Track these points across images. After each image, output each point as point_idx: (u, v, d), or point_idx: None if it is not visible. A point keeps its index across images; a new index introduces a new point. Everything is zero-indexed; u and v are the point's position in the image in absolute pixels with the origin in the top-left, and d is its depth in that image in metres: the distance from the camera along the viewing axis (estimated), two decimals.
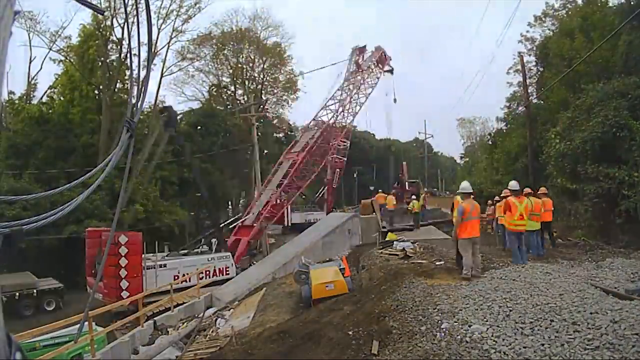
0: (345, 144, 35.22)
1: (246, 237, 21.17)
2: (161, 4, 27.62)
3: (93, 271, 16.51)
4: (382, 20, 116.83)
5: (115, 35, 27.48)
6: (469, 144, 61.97)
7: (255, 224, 21.56)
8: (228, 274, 18.13)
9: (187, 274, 16.13)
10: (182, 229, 26.09)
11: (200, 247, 20.05)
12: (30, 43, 29.07)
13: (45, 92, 30.39)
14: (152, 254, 16.81)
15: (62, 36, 28.43)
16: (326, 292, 8.90)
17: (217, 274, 17.50)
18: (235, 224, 23.35)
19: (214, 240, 20.19)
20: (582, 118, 14.47)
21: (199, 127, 34.21)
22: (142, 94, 2.12)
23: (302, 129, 28.72)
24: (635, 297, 5.44)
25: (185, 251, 19.44)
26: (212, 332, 10.45)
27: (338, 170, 36.09)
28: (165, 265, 16.65)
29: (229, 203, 39.31)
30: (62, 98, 28.36)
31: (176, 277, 15.95)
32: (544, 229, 10.41)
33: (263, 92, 39.06)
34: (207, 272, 16.65)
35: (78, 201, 1.77)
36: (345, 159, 36.01)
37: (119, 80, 27.76)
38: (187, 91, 38.35)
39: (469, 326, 4.83)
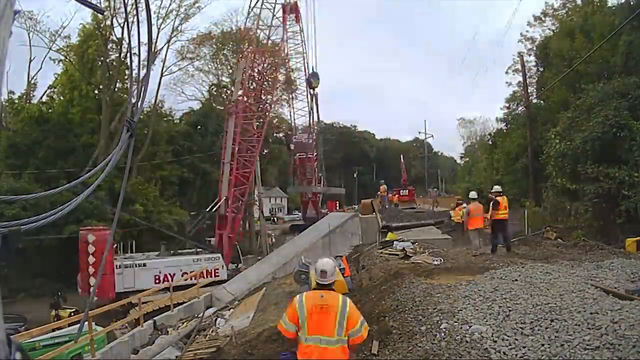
0: (308, 140, 34.58)
1: (225, 230, 20.38)
2: (161, 4, 27.60)
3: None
4: (382, 18, 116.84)
5: (115, 35, 27.50)
6: (469, 144, 61.98)
7: (227, 213, 20.40)
8: (217, 276, 17.11)
9: (170, 274, 15.98)
10: (182, 228, 26.13)
11: (196, 248, 19.83)
12: (30, 43, 29.04)
13: (45, 91, 30.44)
14: (134, 254, 16.87)
15: (61, 36, 28.44)
16: None
17: (205, 276, 16.47)
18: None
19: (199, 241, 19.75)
20: (582, 118, 14.47)
21: (198, 127, 34.20)
22: (142, 94, 2.11)
23: (236, 65, 25.21)
24: (636, 297, 5.43)
25: (173, 251, 19.22)
26: (212, 332, 10.45)
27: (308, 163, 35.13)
28: (144, 265, 16.40)
29: None
30: (61, 98, 28.38)
31: (157, 278, 15.72)
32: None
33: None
34: (193, 274, 15.60)
35: (78, 201, 1.77)
36: (315, 153, 35.04)
37: (118, 80, 27.75)
38: (187, 91, 38.27)
39: (469, 326, 4.83)
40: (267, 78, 23.40)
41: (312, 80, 31.72)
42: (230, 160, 20.87)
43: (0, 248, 1.26)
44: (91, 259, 14.56)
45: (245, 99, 21.44)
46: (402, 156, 37.17)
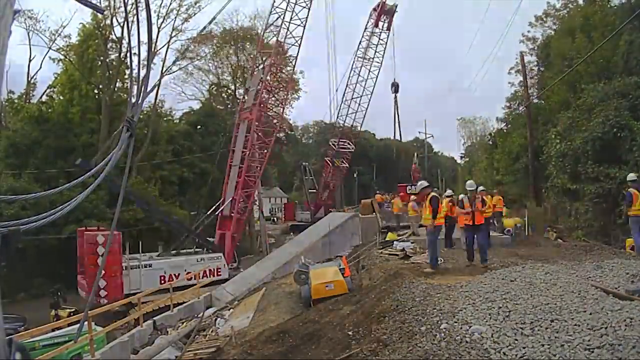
0: (349, 148, 34.27)
1: (229, 230, 20.50)
2: (161, 3, 27.60)
3: (81, 269, 16.57)
4: None
5: (115, 35, 27.50)
6: (469, 144, 61.90)
7: (232, 213, 20.66)
8: (220, 275, 17.44)
9: (175, 275, 16.12)
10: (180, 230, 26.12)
11: (194, 248, 19.79)
12: (29, 42, 29.10)
13: (45, 91, 30.41)
14: (138, 254, 16.80)
15: (61, 35, 28.45)
16: (326, 292, 8.89)
17: (208, 275, 16.84)
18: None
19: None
20: (582, 118, 14.50)
21: (199, 127, 34.19)
22: (142, 93, 2.11)
23: (251, 75, 24.95)
24: (636, 298, 5.43)
25: (175, 251, 19.22)
26: (212, 332, 10.44)
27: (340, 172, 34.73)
28: (150, 266, 16.53)
29: None
30: (61, 97, 28.36)
31: (162, 278, 15.80)
32: None
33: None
34: (198, 274, 15.79)
35: (77, 201, 1.76)
36: (347, 165, 34.56)
37: (118, 80, 27.74)
38: (187, 90, 38.28)
39: (469, 326, 4.83)
40: (281, 88, 23.53)
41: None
42: (240, 164, 21.01)
43: (2, 248, 1.26)
44: (101, 261, 14.37)
45: (260, 107, 21.75)
46: (415, 154, 36.36)
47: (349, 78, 32.74)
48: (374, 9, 31.26)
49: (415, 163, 28.94)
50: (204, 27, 28.18)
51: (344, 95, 33.36)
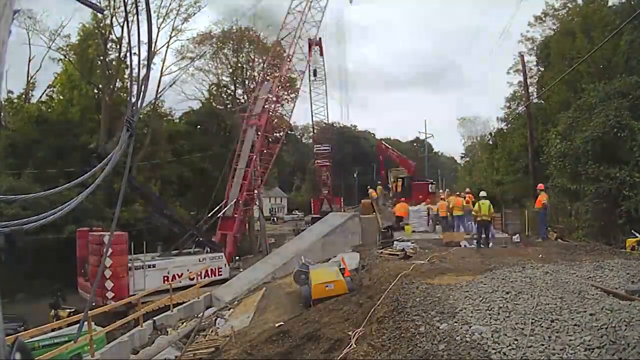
0: (326, 149, 36.88)
1: (231, 231, 20.68)
2: (161, 3, 27.56)
3: (82, 271, 16.71)
4: (381, 20, 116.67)
5: (115, 34, 27.46)
6: (469, 144, 61.80)
7: (235, 214, 20.93)
8: (221, 274, 17.70)
9: (178, 274, 16.16)
10: (183, 228, 26.06)
11: (193, 247, 19.88)
12: (29, 42, 28.96)
13: (45, 91, 30.34)
14: (142, 254, 16.86)
15: (61, 35, 28.33)
16: (326, 292, 8.89)
17: (210, 275, 17.00)
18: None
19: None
20: (583, 118, 14.49)
21: (198, 127, 34.15)
22: (142, 93, 2.10)
23: (259, 83, 26.28)
24: (636, 298, 5.43)
25: (177, 251, 19.30)
26: (212, 332, 10.44)
27: (324, 169, 38.01)
28: (154, 266, 16.57)
29: None
30: (61, 97, 28.34)
31: (166, 278, 15.84)
32: None
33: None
34: (199, 274, 15.96)
35: (77, 201, 1.76)
36: (329, 163, 38.04)
37: (118, 79, 27.72)
38: (186, 90, 38.17)
39: (469, 326, 4.83)
40: (286, 97, 24.21)
41: None
42: (246, 167, 21.51)
43: (4, 247, 1.26)
44: (108, 262, 14.39)
45: (269, 113, 22.77)
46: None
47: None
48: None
49: (397, 153, 28.43)
50: (190, 16, 28.50)
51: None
